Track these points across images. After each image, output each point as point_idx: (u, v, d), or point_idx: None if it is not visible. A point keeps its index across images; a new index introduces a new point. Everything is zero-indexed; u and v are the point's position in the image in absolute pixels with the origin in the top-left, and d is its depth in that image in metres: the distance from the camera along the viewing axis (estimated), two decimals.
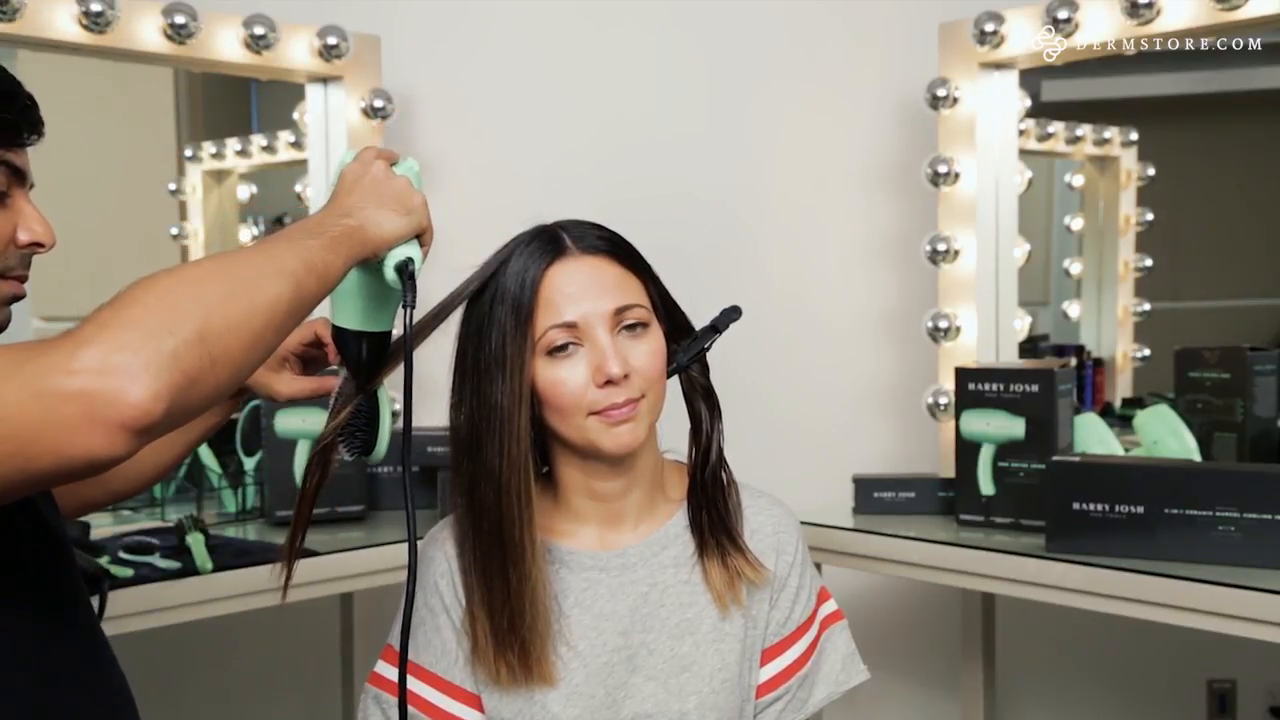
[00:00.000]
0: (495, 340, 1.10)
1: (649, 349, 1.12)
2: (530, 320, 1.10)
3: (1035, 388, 1.90)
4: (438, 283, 1.12)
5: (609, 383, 1.09)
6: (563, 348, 1.10)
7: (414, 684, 1.17)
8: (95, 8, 1.91)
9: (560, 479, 1.18)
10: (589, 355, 1.10)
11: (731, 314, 1.20)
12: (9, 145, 0.98)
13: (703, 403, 1.20)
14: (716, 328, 1.19)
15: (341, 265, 0.94)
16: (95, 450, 0.74)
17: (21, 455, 0.75)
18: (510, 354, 1.09)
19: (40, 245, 1.01)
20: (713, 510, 1.18)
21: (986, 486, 1.95)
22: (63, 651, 0.99)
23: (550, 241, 1.13)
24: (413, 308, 1.00)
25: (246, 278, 0.83)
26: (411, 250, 1.03)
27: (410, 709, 1.17)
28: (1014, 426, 1.92)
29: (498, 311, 1.10)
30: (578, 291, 1.10)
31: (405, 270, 1.01)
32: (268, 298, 0.84)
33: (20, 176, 1.00)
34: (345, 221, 0.96)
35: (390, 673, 1.19)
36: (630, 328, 1.12)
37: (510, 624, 1.11)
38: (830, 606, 1.26)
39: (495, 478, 1.10)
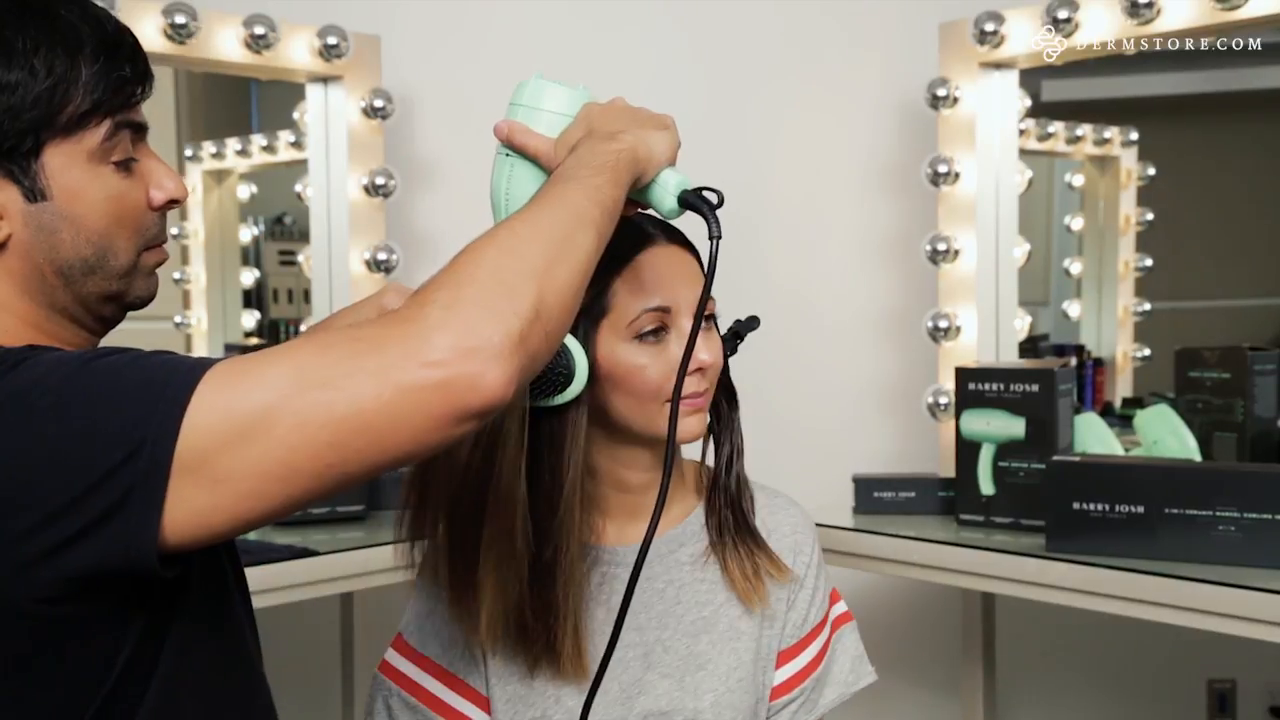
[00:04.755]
0: None
1: (719, 345, 1.12)
2: (607, 292, 1.07)
3: (1035, 388, 1.90)
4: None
5: (698, 370, 1.08)
6: (654, 333, 1.08)
7: (420, 676, 1.16)
8: None
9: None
10: (676, 342, 1.08)
11: (753, 323, 1.19)
12: (129, 104, 0.87)
13: (725, 401, 1.19)
14: (739, 334, 1.19)
15: (622, 195, 0.89)
16: (448, 436, 0.74)
17: (378, 447, 0.73)
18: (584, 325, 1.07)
19: (175, 201, 0.92)
20: (737, 510, 1.18)
21: (986, 486, 1.95)
22: (236, 684, 0.93)
23: (639, 227, 1.10)
24: (719, 237, 0.91)
25: (561, 237, 0.81)
26: (683, 178, 0.95)
27: (416, 702, 1.16)
28: (1014, 426, 1.91)
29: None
30: (672, 276, 1.09)
31: (691, 199, 0.93)
32: (581, 256, 0.82)
33: (143, 132, 0.90)
34: (615, 148, 0.90)
35: (399, 661, 1.18)
36: (709, 319, 1.11)
37: (541, 619, 1.08)
38: (841, 607, 1.26)
39: (559, 454, 1.07)
